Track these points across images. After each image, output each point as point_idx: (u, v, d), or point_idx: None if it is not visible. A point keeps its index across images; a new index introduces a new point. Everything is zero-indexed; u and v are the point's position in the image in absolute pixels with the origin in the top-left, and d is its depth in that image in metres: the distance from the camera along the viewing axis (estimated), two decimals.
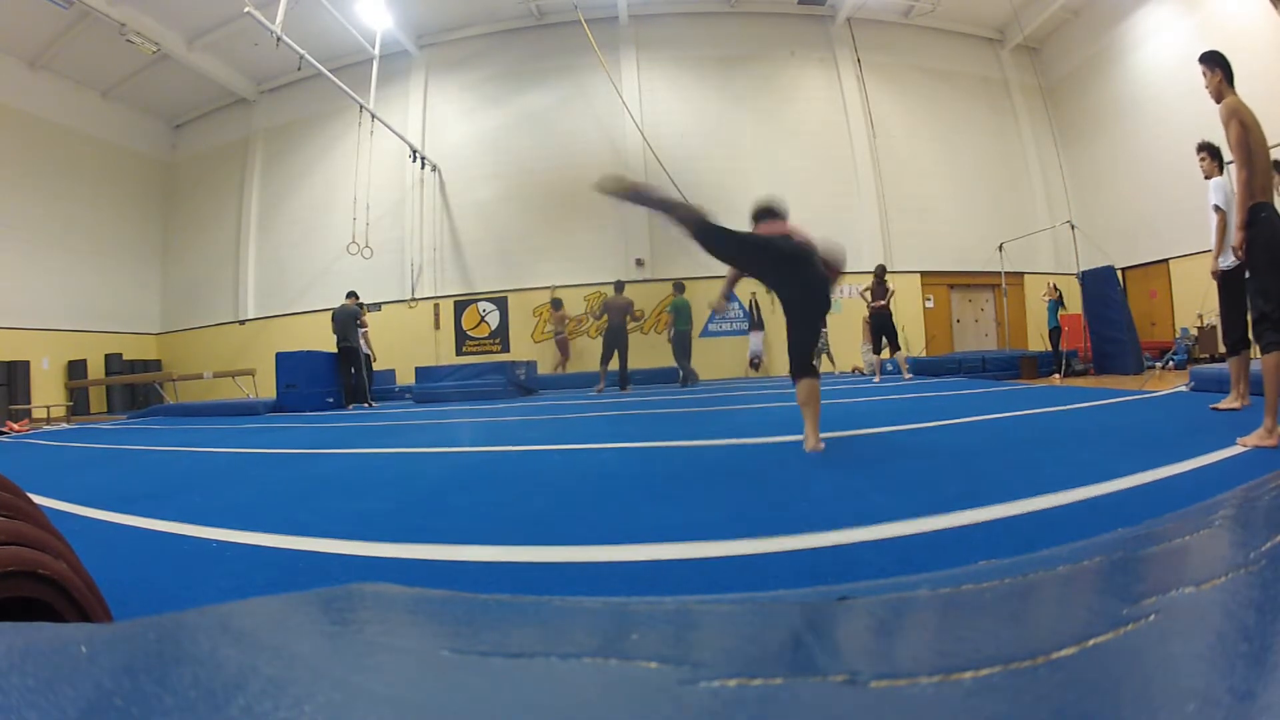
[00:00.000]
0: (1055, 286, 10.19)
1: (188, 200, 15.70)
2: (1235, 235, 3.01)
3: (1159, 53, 11.53)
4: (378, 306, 13.06)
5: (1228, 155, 3.11)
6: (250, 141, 15.16)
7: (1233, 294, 3.79)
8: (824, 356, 12.22)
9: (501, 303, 13.45)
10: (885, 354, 9.12)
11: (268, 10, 8.96)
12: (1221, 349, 9.32)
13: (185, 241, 15.62)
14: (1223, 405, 3.81)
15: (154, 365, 14.55)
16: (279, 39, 8.79)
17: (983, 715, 0.31)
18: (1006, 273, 13.34)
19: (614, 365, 9.58)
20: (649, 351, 12.55)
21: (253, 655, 0.40)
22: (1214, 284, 4.05)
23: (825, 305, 3.47)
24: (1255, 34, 9.69)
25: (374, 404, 9.78)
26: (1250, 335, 3.51)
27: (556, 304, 12.69)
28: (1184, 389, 5.37)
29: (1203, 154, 4.04)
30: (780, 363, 13.06)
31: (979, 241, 13.57)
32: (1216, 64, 3.06)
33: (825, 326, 11.82)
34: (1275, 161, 3.13)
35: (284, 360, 9.36)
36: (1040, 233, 13.27)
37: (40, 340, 12.66)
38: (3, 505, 0.71)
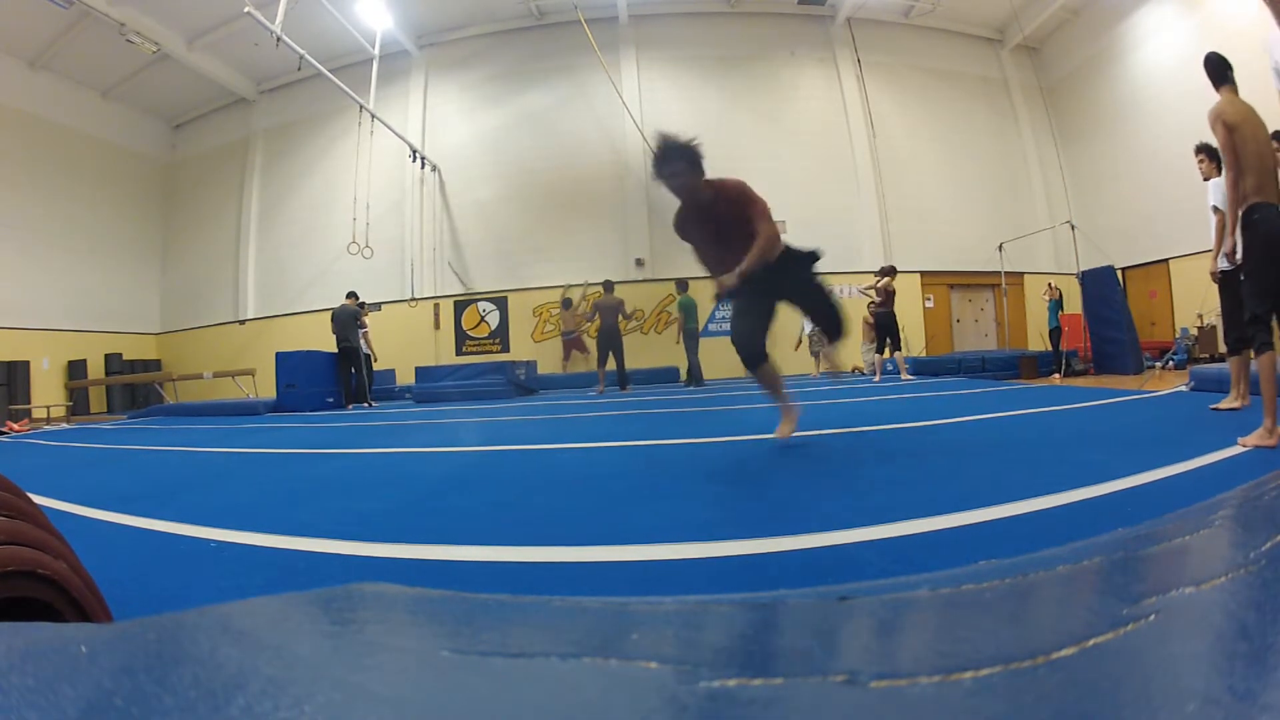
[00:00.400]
0: (1055, 286, 10.19)
1: (188, 200, 15.71)
2: (1227, 240, 3.01)
3: (1159, 53, 11.54)
4: (378, 306, 13.05)
5: None
6: (250, 141, 15.16)
7: (1233, 294, 3.72)
8: (818, 356, 12.20)
9: (501, 303, 13.46)
10: (887, 353, 9.13)
11: (268, 10, 8.96)
12: (1221, 349, 9.33)
13: (185, 241, 15.63)
14: (1223, 405, 3.81)
15: (154, 365, 14.55)
16: (279, 39, 8.79)
17: (983, 715, 0.31)
18: (1006, 273, 13.34)
19: (610, 365, 9.58)
20: (649, 351, 12.57)
21: (253, 655, 0.40)
22: (1214, 284, 4.06)
23: (771, 286, 3.03)
24: (1255, 34, 9.68)
25: (374, 404, 9.78)
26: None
27: (566, 303, 12.70)
28: (1184, 389, 5.37)
29: (1201, 155, 4.05)
30: (787, 361, 13.07)
31: (979, 241, 13.57)
32: (1205, 65, 3.10)
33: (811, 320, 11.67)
34: None
35: (284, 360, 9.36)
36: (1040, 233, 13.27)
37: (40, 340, 12.66)
38: (3, 505, 0.71)
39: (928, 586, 0.54)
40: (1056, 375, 8.78)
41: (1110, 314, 8.70)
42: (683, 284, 10.59)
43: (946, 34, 14.40)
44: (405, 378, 12.04)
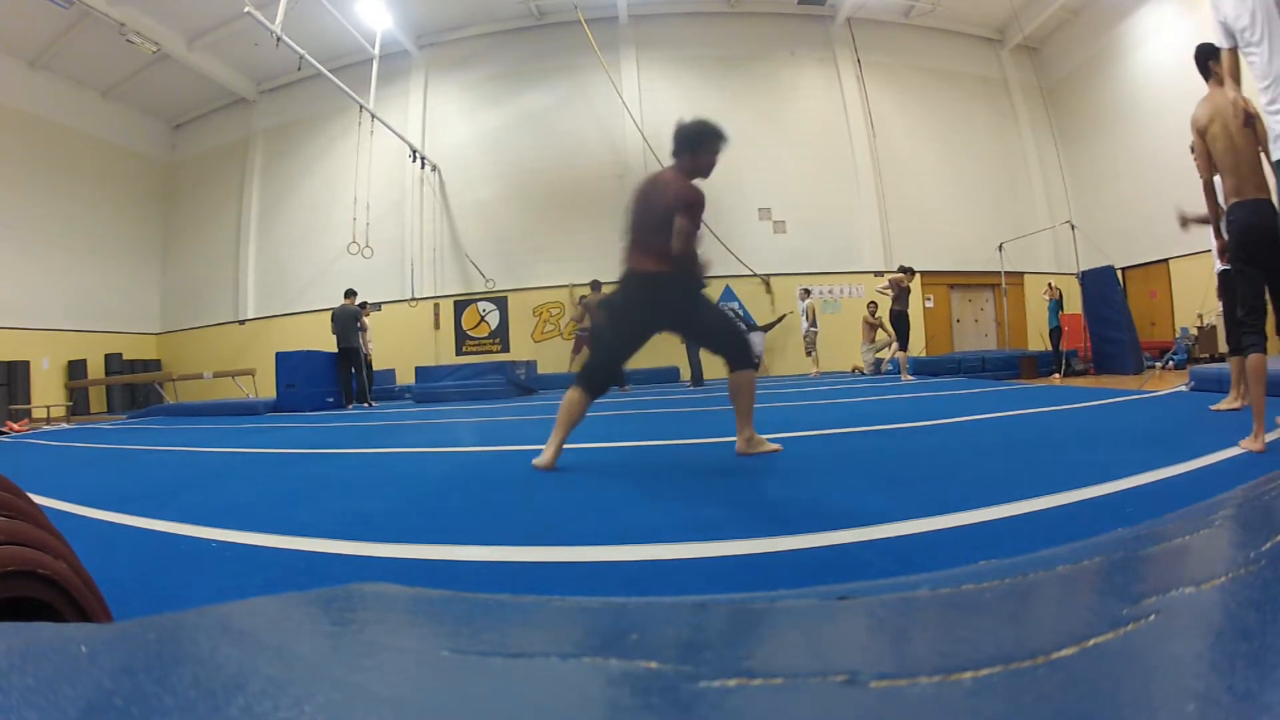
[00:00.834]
0: (1055, 286, 10.19)
1: (188, 200, 15.71)
2: (1215, 242, 3.04)
3: (1159, 53, 11.53)
4: (378, 307, 13.06)
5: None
6: (250, 141, 15.16)
7: (1232, 294, 3.77)
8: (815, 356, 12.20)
9: (501, 303, 13.46)
10: (891, 351, 9.17)
11: (268, 10, 8.96)
12: (1221, 349, 9.33)
13: (185, 241, 15.63)
14: (1222, 406, 3.81)
15: (154, 365, 14.55)
16: (279, 39, 8.79)
17: (983, 715, 0.31)
18: (1006, 273, 13.34)
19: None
20: (649, 351, 12.53)
21: (253, 655, 0.40)
22: (1214, 284, 4.09)
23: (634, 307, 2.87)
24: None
25: (373, 404, 9.79)
26: None
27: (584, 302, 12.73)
28: (1184, 389, 5.37)
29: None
30: (779, 363, 13.07)
31: (979, 241, 13.57)
32: (1195, 57, 3.03)
33: (815, 326, 11.54)
34: None
35: (284, 360, 9.37)
36: (1040, 232, 13.27)
37: (40, 340, 12.66)
38: (3, 505, 0.71)
39: (928, 586, 0.54)
40: (1056, 375, 8.78)
41: (1110, 314, 8.70)
42: None
43: (946, 34, 14.40)
44: (405, 377, 12.04)
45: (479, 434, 4.92)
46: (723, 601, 0.53)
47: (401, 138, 12.73)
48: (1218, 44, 2.72)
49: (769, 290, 13.25)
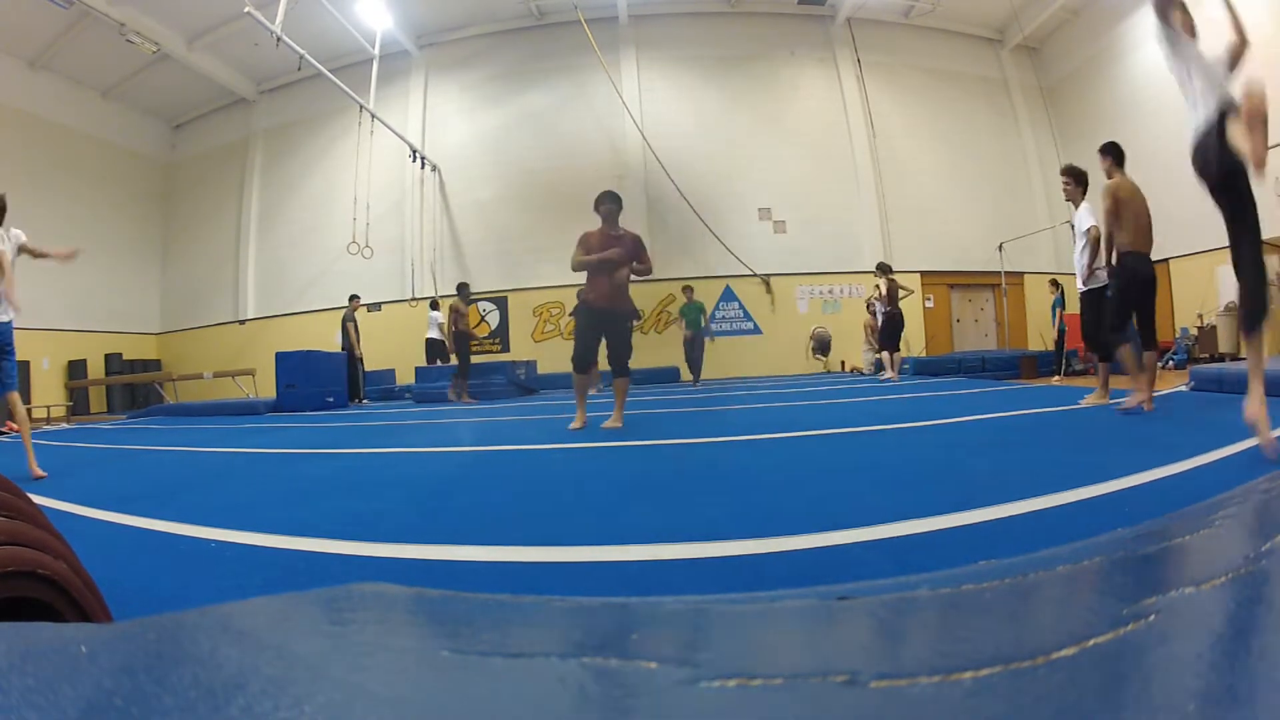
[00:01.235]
0: (1056, 283, 10.18)
1: (188, 200, 15.71)
2: (1086, 265, 4.64)
3: (1159, 53, 11.50)
4: (377, 307, 13.07)
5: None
6: (250, 141, 15.16)
7: (1094, 309, 4.82)
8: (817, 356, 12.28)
9: (501, 303, 13.46)
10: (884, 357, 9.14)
11: (268, 10, 8.96)
12: (1222, 349, 9.33)
13: (185, 241, 15.63)
14: (1088, 401, 4.60)
15: (154, 365, 14.55)
16: (279, 39, 8.79)
17: (983, 715, 0.31)
18: (1006, 273, 13.34)
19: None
20: (649, 351, 12.56)
21: (253, 655, 0.40)
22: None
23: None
24: (1255, 34, 9.67)
25: (363, 401, 9.91)
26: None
27: None
28: (1184, 389, 5.37)
29: (1067, 179, 4.77)
30: (775, 363, 13.07)
31: (979, 241, 13.57)
32: (1107, 152, 4.15)
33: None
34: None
35: (284, 360, 9.39)
36: (1040, 232, 13.28)
37: (40, 340, 12.66)
38: (3, 505, 0.71)
39: (928, 586, 0.54)
40: (1057, 375, 8.78)
41: None
42: (688, 288, 10.65)
43: (946, 34, 14.40)
44: (405, 377, 12.04)
45: (479, 434, 4.93)
46: (723, 601, 0.53)
47: (401, 138, 12.73)
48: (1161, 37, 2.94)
49: (769, 290, 13.25)
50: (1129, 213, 3.98)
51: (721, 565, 1.43)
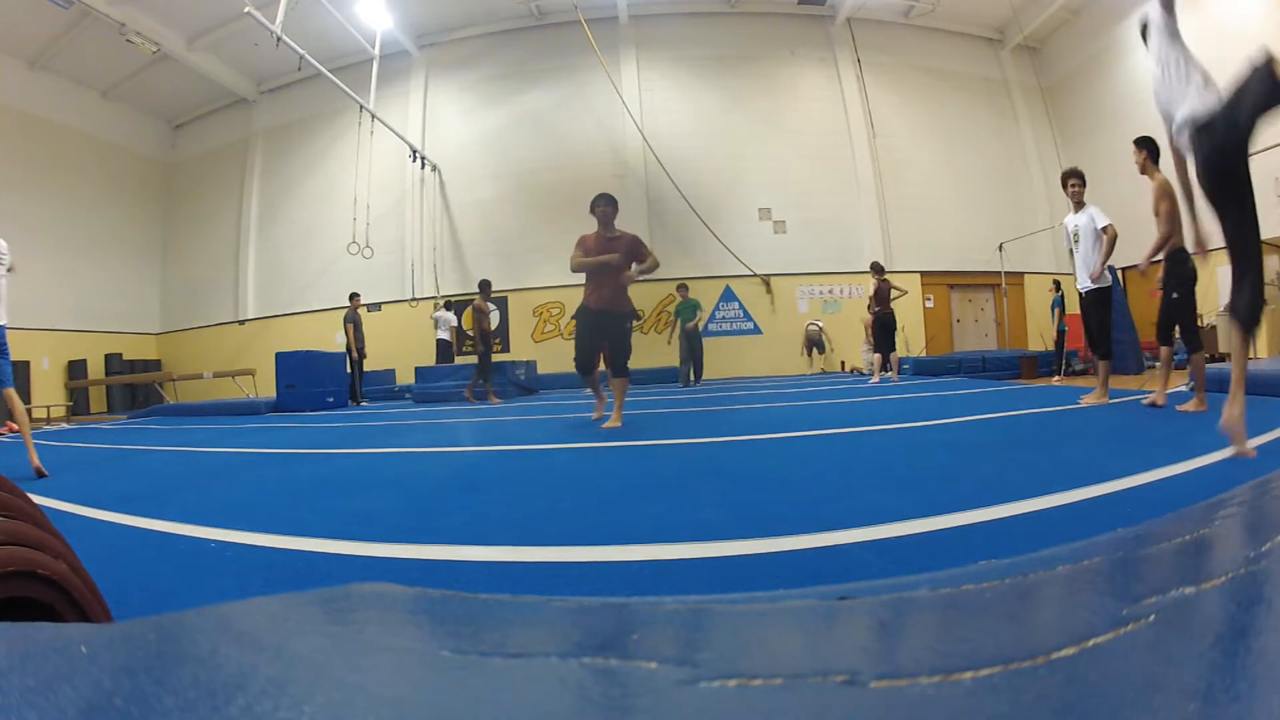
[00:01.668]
0: (1057, 283, 10.19)
1: (188, 200, 15.71)
2: (1100, 265, 4.80)
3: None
4: (377, 306, 13.07)
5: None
6: (250, 141, 15.17)
7: (1102, 309, 4.99)
8: (818, 354, 12.30)
9: (501, 303, 13.46)
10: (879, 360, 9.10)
11: (268, 10, 8.96)
12: (1223, 349, 9.32)
13: (185, 241, 15.63)
14: (1089, 400, 4.53)
15: (154, 365, 14.55)
16: (279, 39, 8.79)
17: (983, 715, 0.31)
18: (1006, 273, 13.34)
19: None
20: (649, 351, 12.56)
21: (253, 655, 0.40)
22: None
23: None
24: (1255, 34, 9.68)
25: (361, 403, 9.94)
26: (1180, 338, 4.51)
27: None
28: (1184, 389, 5.37)
29: (1143, 151, 4.52)
30: (775, 363, 13.07)
31: (979, 241, 13.57)
32: (1143, 145, 4.06)
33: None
34: None
35: (284, 360, 9.39)
36: (1040, 233, 13.28)
37: (40, 340, 12.66)
38: (2, 505, 0.71)
39: (928, 586, 0.54)
40: (1057, 376, 8.77)
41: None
42: (683, 287, 10.64)
43: (946, 34, 14.40)
44: (405, 377, 12.04)
45: (479, 434, 4.93)
46: (723, 601, 0.53)
47: (401, 138, 12.73)
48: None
49: (769, 290, 13.25)
50: (1176, 210, 3.96)
51: (722, 565, 1.43)
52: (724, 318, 13.27)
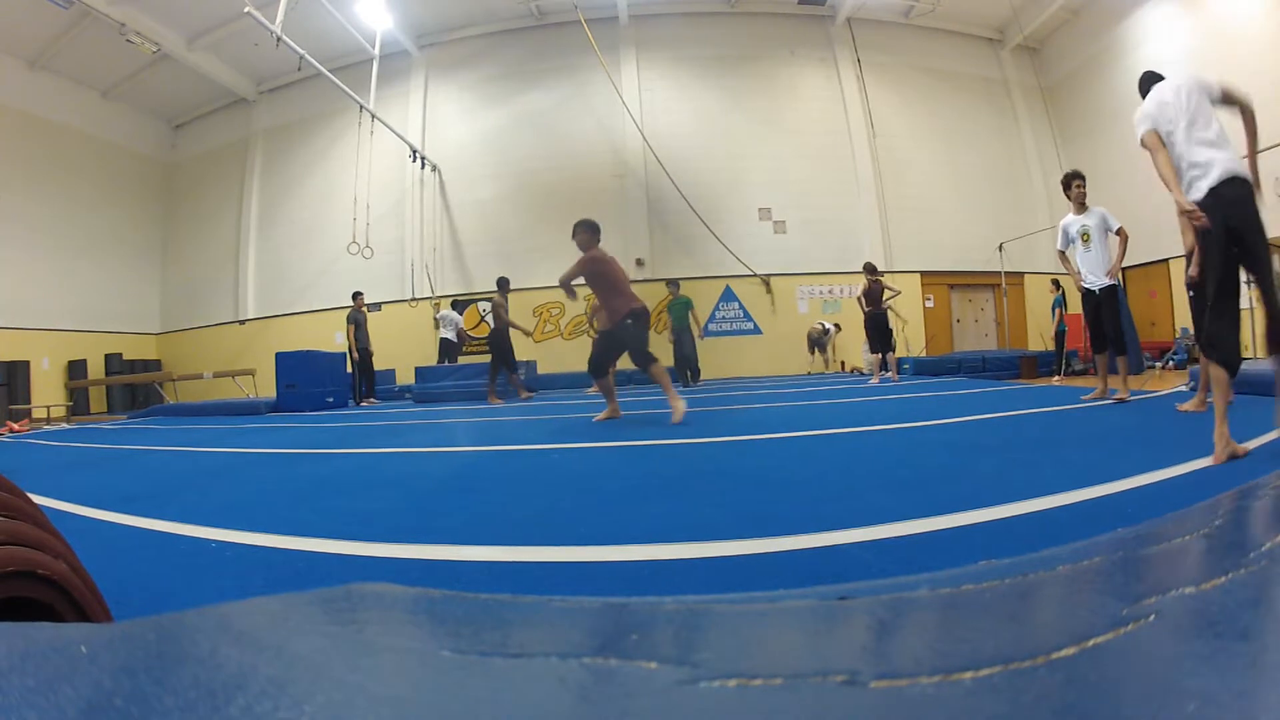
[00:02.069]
0: (1057, 283, 10.18)
1: (188, 200, 15.72)
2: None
3: (1159, 53, 11.52)
4: (377, 306, 13.06)
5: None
6: (250, 141, 15.17)
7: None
8: (819, 354, 12.31)
9: None
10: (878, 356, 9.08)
11: (268, 10, 8.96)
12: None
13: (185, 241, 15.64)
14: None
15: (154, 365, 14.56)
16: (279, 39, 8.79)
17: (983, 715, 0.31)
18: (1006, 273, 13.34)
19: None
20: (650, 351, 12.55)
21: (253, 655, 0.40)
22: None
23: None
24: (1255, 34, 9.69)
25: (360, 404, 9.95)
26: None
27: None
28: (1184, 388, 5.37)
29: (1081, 183, 4.91)
30: (775, 363, 13.07)
31: (979, 241, 13.57)
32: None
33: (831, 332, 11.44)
34: None
35: (284, 360, 9.40)
36: (1040, 233, 13.27)
37: (40, 340, 12.67)
38: (2, 505, 0.71)
39: (928, 586, 0.54)
40: (1057, 376, 8.77)
41: None
42: (674, 284, 10.60)
43: (946, 34, 14.40)
44: (405, 377, 12.04)
45: (479, 434, 4.93)
46: (723, 601, 0.53)
47: (401, 138, 12.73)
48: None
49: (769, 290, 13.25)
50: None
51: (722, 565, 1.43)
52: (724, 318, 13.27)
